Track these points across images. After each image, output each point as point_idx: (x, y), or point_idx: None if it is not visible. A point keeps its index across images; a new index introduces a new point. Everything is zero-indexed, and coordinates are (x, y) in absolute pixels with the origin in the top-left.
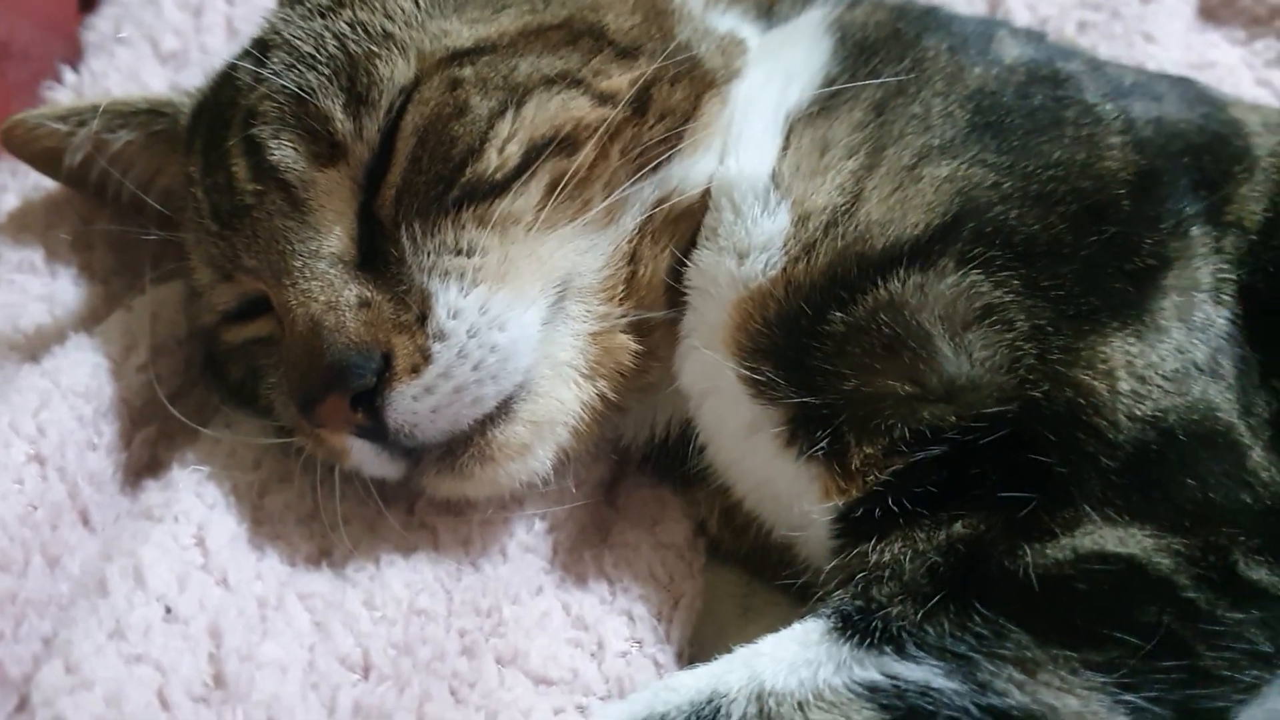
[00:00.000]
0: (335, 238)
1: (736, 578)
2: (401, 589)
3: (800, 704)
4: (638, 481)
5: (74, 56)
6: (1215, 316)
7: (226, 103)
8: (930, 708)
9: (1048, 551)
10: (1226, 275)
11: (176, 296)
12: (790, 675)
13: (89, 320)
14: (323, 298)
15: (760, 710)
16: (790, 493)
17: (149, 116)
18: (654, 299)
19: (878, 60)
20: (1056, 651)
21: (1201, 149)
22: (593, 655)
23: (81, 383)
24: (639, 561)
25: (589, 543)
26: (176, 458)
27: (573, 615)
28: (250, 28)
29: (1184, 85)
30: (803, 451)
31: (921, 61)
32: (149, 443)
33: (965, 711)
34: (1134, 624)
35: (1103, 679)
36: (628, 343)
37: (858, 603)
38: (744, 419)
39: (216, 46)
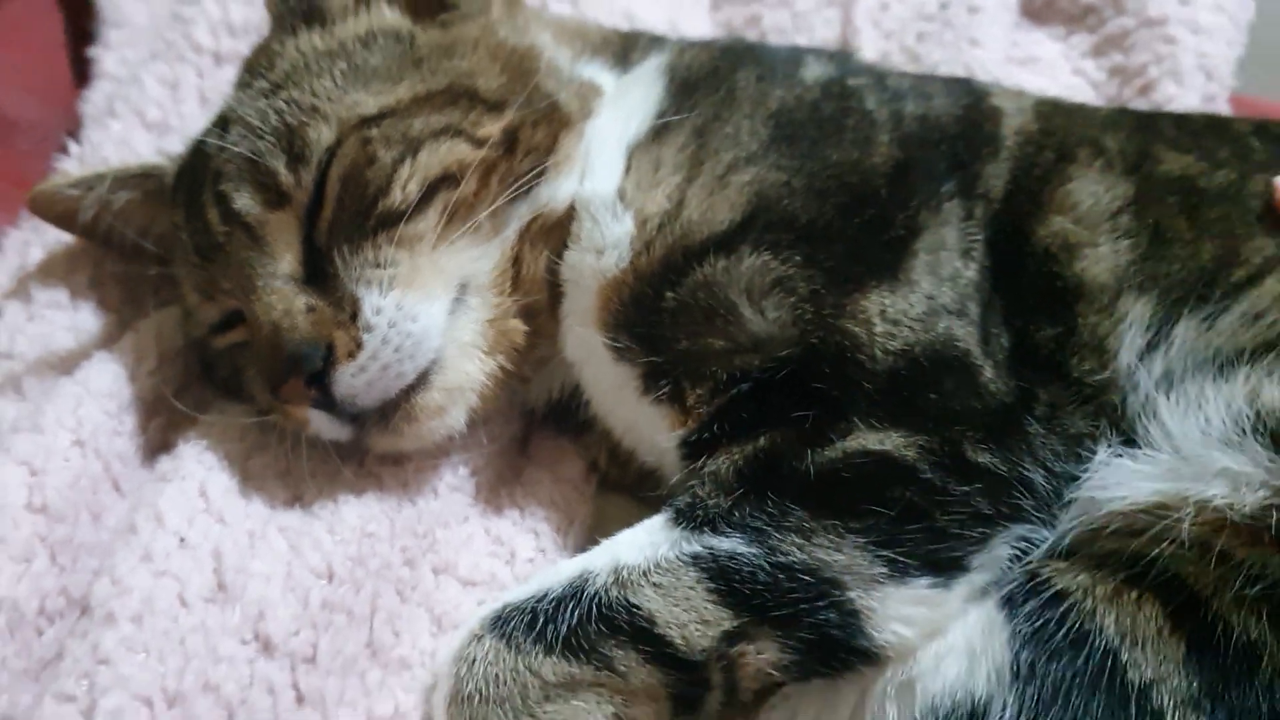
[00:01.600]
0: (286, 262)
1: (624, 502)
2: (355, 519)
3: (644, 572)
4: (544, 435)
5: (73, 124)
6: (964, 270)
7: (200, 166)
8: (734, 566)
9: (825, 453)
10: (975, 237)
11: (173, 318)
12: (639, 554)
13: (107, 341)
14: (280, 307)
15: (616, 579)
16: (650, 429)
17: (141, 179)
18: (537, 290)
19: (699, 94)
20: (827, 522)
21: (957, 137)
22: (507, 562)
23: (106, 387)
24: (543, 493)
25: (505, 482)
26: (182, 438)
27: (492, 535)
28: (217, 97)
29: (957, 84)
30: (654, 397)
31: (733, 91)
32: (161, 429)
33: (760, 568)
34: (885, 499)
35: (863, 540)
36: (518, 325)
37: (688, 500)
38: (612, 378)
39: (192, 113)
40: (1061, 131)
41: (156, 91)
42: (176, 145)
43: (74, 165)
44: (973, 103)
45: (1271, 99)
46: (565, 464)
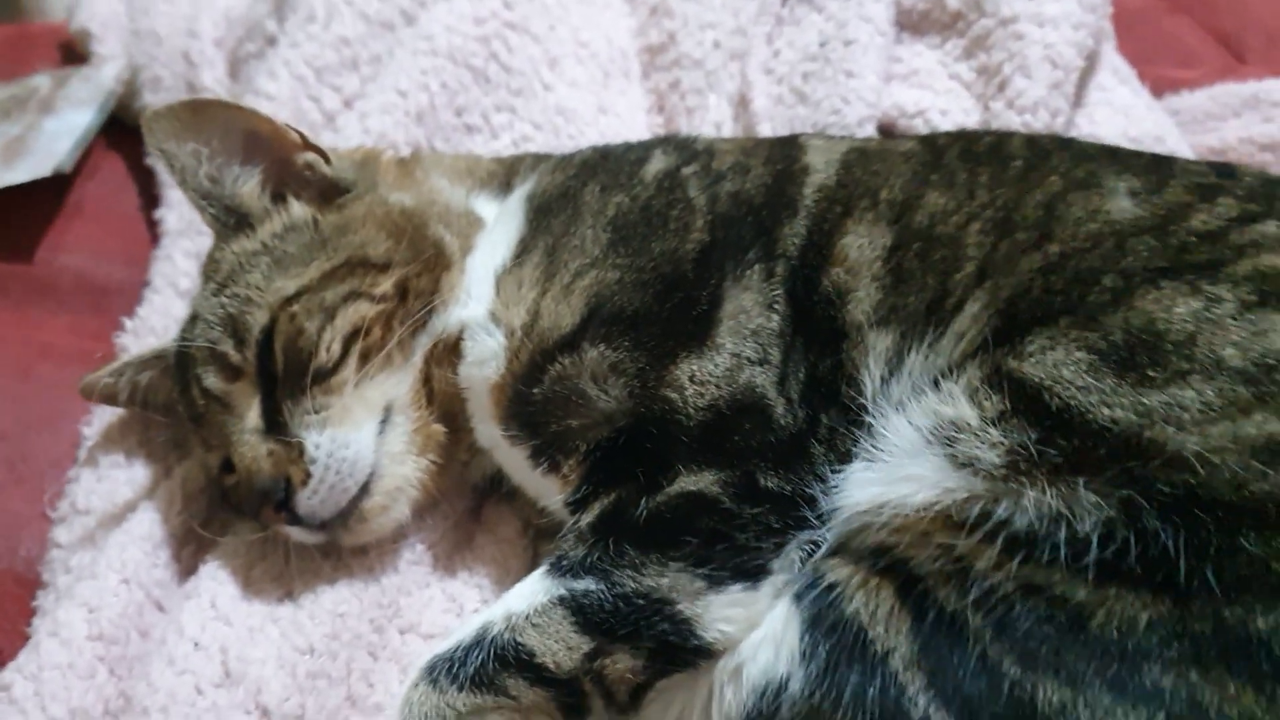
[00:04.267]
0: (250, 419)
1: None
2: (330, 604)
3: (526, 616)
4: (492, 503)
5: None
6: (766, 324)
7: (182, 354)
8: (587, 602)
9: (656, 499)
10: (776, 291)
11: (197, 464)
12: (524, 602)
13: (153, 489)
14: (250, 454)
15: (508, 625)
16: (547, 494)
17: (155, 360)
18: (449, 399)
19: (551, 216)
20: (652, 554)
21: (762, 207)
22: (458, 615)
23: (145, 531)
24: (487, 553)
25: (459, 549)
26: (201, 560)
27: (447, 594)
28: None
29: (779, 147)
30: (542, 470)
31: (579, 207)
32: (192, 554)
33: (605, 599)
34: (695, 529)
35: (681, 564)
36: (439, 429)
37: (559, 552)
38: (512, 457)
39: None
40: (853, 184)
41: (184, 264)
42: None
43: (130, 338)
44: (785, 167)
45: None
46: (504, 526)
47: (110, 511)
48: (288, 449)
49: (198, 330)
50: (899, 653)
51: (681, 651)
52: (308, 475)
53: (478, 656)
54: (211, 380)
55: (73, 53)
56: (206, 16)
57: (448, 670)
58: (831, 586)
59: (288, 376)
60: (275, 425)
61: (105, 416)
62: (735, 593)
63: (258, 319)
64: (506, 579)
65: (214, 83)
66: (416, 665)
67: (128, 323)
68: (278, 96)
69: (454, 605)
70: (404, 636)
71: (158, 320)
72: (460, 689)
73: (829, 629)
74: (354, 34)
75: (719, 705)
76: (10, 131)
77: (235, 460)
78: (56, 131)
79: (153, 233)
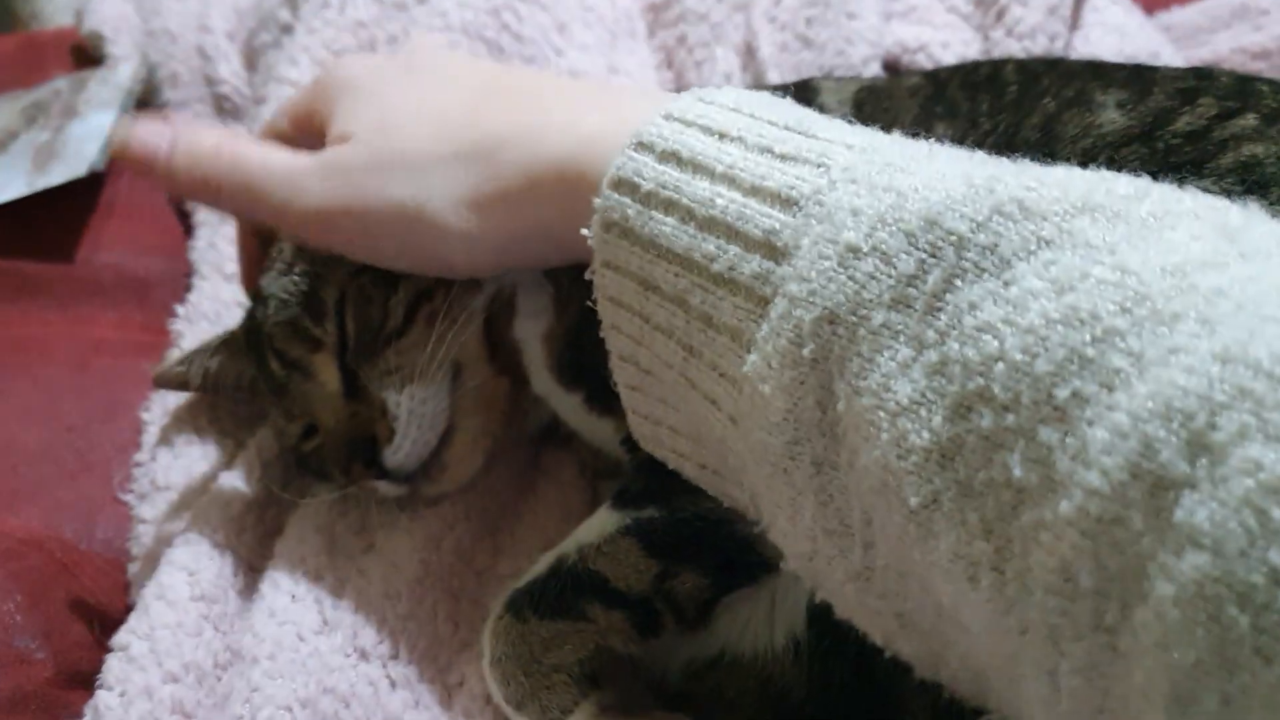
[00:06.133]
0: (332, 385)
1: (610, 486)
2: (410, 551)
3: (597, 546)
4: (550, 449)
5: (189, 269)
6: None
7: (255, 331)
8: (651, 528)
9: None
10: None
11: (269, 435)
12: (592, 534)
13: (230, 460)
14: (334, 418)
15: (580, 556)
16: (602, 434)
17: (222, 345)
18: (508, 353)
19: None
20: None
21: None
22: (528, 555)
23: (229, 499)
24: (550, 496)
25: (523, 495)
26: (290, 520)
27: (515, 537)
28: None
29: (792, 92)
30: (597, 413)
31: None
32: (276, 516)
33: (668, 524)
34: None
35: None
36: (503, 381)
37: (621, 487)
38: (568, 403)
39: None
40: (867, 120)
41: (228, 250)
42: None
43: (183, 324)
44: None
45: None
46: (563, 470)
47: (191, 485)
48: (370, 409)
49: (271, 309)
50: None
51: (742, 566)
52: (391, 431)
53: (555, 586)
54: (295, 353)
55: (84, 55)
56: (216, 11)
57: (529, 601)
58: None
59: (362, 342)
60: (355, 389)
61: (164, 402)
62: None
63: (330, 291)
64: (570, 518)
65: (230, 74)
66: (498, 601)
67: (180, 309)
68: (300, 81)
69: (524, 546)
70: (480, 577)
71: (208, 305)
72: (542, 617)
73: None
74: (369, 16)
75: (782, 606)
76: (39, 138)
77: (321, 424)
78: (84, 134)
79: (185, 225)
